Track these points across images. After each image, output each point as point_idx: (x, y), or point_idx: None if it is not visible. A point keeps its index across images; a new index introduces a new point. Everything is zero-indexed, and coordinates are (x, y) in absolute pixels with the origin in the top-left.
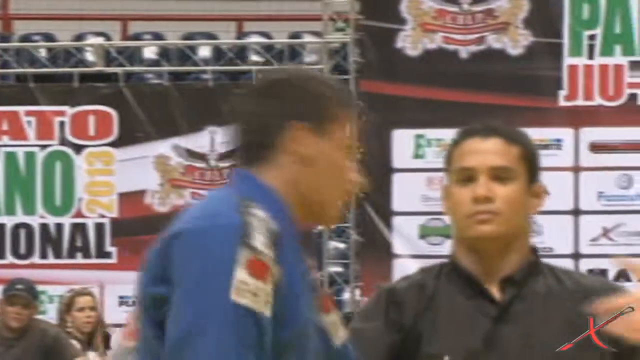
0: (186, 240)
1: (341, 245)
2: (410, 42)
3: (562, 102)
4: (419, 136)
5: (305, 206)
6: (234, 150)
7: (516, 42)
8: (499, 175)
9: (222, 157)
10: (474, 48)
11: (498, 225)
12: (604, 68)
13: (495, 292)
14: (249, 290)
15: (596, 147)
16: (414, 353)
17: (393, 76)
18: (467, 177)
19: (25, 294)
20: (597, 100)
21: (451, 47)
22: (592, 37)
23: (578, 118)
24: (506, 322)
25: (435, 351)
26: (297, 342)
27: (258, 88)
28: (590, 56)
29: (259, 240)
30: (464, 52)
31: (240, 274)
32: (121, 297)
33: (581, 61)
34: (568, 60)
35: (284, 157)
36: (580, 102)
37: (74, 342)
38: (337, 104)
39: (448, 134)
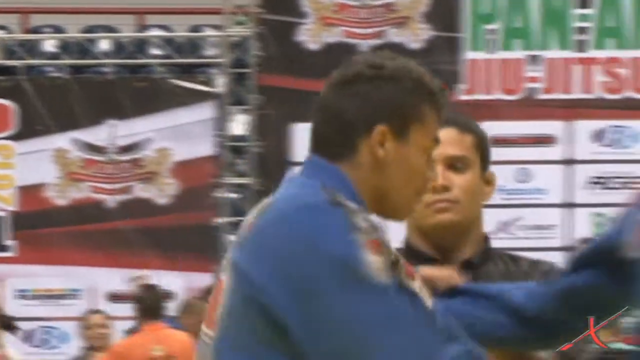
0: (296, 232)
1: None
2: (310, 36)
3: (462, 96)
4: None
5: (378, 204)
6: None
7: (416, 36)
8: (454, 164)
9: (122, 150)
10: (374, 42)
11: (456, 214)
12: (503, 62)
13: None
14: (377, 267)
15: (495, 141)
16: None
17: (294, 70)
18: None
19: None
20: (497, 95)
21: (351, 40)
22: (492, 32)
23: (477, 112)
24: None
25: None
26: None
27: (349, 81)
28: (490, 50)
29: (363, 224)
30: (364, 45)
31: (366, 256)
32: (21, 291)
33: (481, 55)
34: (468, 55)
35: (363, 157)
36: (479, 96)
37: None
38: (425, 102)
39: None
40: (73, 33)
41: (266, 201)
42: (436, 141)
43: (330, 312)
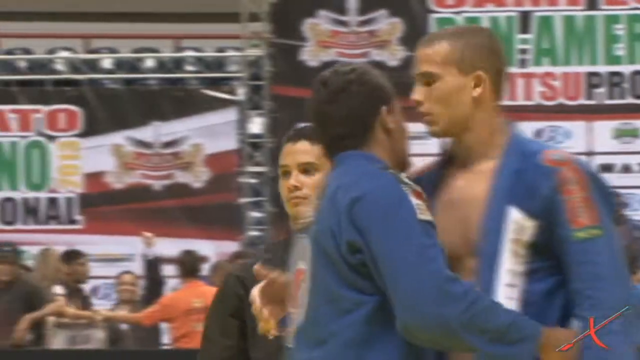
0: (370, 201)
1: (259, 215)
2: (311, 56)
3: None
4: None
5: (394, 162)
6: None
7: (394, 55)
8: (306, 168)
9: (164, 145)
10: (360, 60)
11: (306, 206)
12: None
13: None
14: (423, 208)
15: None
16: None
17: (298, 82)
18: (285, 172)
19: (10, 254)
20: None
21: (343, 59)
22: None
23: None
24: None
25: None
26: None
27: (345, 90)
28: None
29: (409, 181)
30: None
31: (415, 201)
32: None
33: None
34: None
35: (378, 134)
36: None
37: (57, 289)
38: (391, 87)
39: None
40: (125, 53)
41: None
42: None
43: (386, 243)
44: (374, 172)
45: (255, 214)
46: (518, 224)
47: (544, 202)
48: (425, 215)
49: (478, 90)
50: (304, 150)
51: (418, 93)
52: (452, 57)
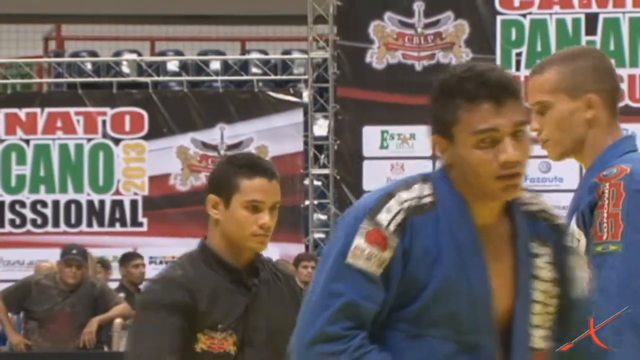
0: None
1: (323, 217)
2: (376, 58)
3: None
4: (384, 131)
5: (470, 193)
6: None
7: (459, 58)
8: (274, 206)
9: (229, 147)
10: (426, 62)
11: (266, 244)
12: (527, 79)
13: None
14: (363, 255)
15: None
16: (196, 328)
17: (363, 84)
18: (255, 207)
19: (79, 257)
20: None
21: (409, 62)
22: (518, 54)
23: None
24: (257, 301)
25: (212, 322)
26: (438, 299)
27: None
28: (517, 69)
29: (384, 216)
30: (418, 65)
31: (359, 242)
32: (151, 257)
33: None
34: None
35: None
36: None
37: (120, 293)
38: (456, 107)
39: (407, 130)
40: (191, 56)
41: None
42: (485, 123)
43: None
44: (376, 193)
45: (320, 216)
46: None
47: (581, 217)
48: (355, 261)
49: (591, 112)
50: (276, 190)
51: (535, 122)
52: (561, 84)
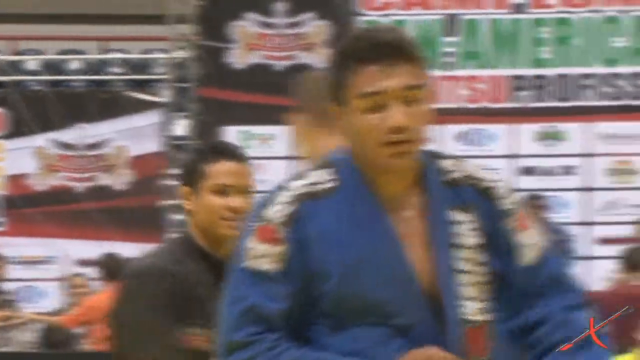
0: None
1: (180, 217)
2: (237, 58)
3: None
4: (245, 131)
5: (366, 166)
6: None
7: (320, 58)
8: (244, 189)
9: (89, 147)
10: (287, 63)
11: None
12: None
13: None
14: (257, 254)
15: None
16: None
17: (224, 84)
18: (222, 191)
19: None
20: None
21: (269, 62)
22: None
23: None
24: None
25: (194, 318)
26: (348, 286)
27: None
28: None
29: (272, 210)
30: (279, 66)
31: (250, 243)
32: (10, 257)
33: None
34: None
35: None
36: None
37: None
38: (347, 69)
39: (268, 130)
40: (51, 55)
41: None
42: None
43: None
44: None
45: (178, 217)
46: None
47: None
48: (251, 263)
49: None
50: (246, 173)
51: None
52: None
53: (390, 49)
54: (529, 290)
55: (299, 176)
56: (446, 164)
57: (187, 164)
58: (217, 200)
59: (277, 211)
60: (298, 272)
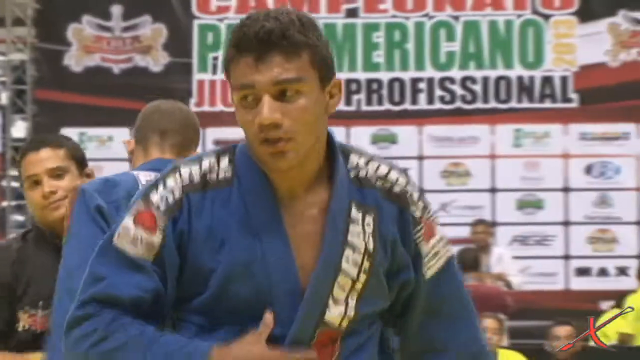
0: None
1: (21, 218)
2: (74, 60)
3: (193, 108)
4: (82, 133)
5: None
6: None
7: (157, 61)
8: (57, 173)
9: None
10: (124, 66)
11: (63, 209)
12: (224, 82)
13: None
14: (129, 237)
15: (219, 142)
16: (18, 304)
17: (61, 87)
18: (35, 181)
19: None
20: (220, 107)
21: (106, 64)
22: (215, 58)
23: (205, 120)
24: None
25: (33, 300)
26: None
27: None
28: (214, 73)
29: (157, 194)
30: (116, 68)
31: (128, 221)
32: None
33: (207, 76)
34: (197, 76)
35: None
36: (206, 107)
37: None
38: (228, 58)
39: (105, 132)
40: None
41: None
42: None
43: None
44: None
45: (18, 217)
46: None
47: None
48: (120, 243)
49: None
50: (49, 157)
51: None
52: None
53: (263, 39)
54: (431, 304)
55: (194, 160)
56: (357, 161)
57: (18, 163)
58: (34, 193)
59: (162, 197)
60: (173, 266)
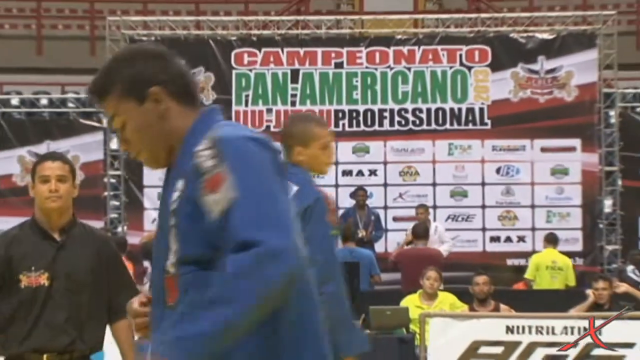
0: None
1: (117, 203)
2: None
3: None
4: None
5: None
6: None
7: (208, 98)
8: (60, 178)
9: None
10: None
11: (59, 203)
12: (252, 112)
13: (57, 236)
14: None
15: None
16: (14, 274)
17: None
18: (45, 180)
19: None
20: None
21: None
22: (247, 95)
23: None
24: (62, 250)
25: (26, 267)
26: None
27: None
28: (247, 105)
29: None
30: None
31: None
32: None
33: (242, 108)
34: (235, 107)
35: None
36: None
37: None
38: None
39: None
40: None
41: None
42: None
43: None
44: None
45: (115, 202)
46: None
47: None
48: None
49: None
50: (59, 167)
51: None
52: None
53: (91, 92)
54: (222, 245)
55: None
56: (203, 141)
57: (33, 167)
58: (43, 187)
59: None
60: None
